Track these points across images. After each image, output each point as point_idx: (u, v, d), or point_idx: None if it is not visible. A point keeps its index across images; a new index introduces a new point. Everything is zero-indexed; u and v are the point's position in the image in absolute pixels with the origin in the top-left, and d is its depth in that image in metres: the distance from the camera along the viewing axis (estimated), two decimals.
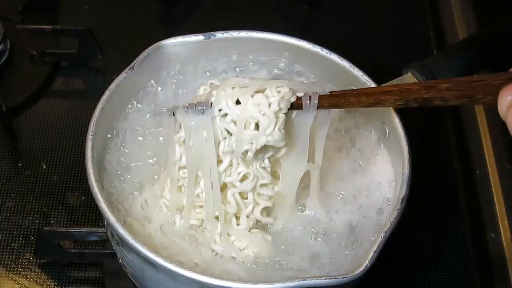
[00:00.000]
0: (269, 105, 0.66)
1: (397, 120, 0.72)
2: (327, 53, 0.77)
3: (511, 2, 0.91)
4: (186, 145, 0.68)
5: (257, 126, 0.66)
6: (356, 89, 0.68)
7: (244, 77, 0.68)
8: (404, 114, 0.74)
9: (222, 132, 0.67)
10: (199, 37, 0.77)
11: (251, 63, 0.81)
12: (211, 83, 0.70)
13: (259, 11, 1.08)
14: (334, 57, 0.77)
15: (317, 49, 0.77)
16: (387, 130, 0.75)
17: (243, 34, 0.78)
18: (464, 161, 0.93)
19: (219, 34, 0.78)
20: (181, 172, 0.71)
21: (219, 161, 0.69)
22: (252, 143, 0.66)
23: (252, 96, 0.66)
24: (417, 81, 0.72)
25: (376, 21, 1.08)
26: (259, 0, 1.10)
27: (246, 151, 0.67)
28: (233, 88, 0.67)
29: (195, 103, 0.67)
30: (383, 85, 0.69)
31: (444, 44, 1.04)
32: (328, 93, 0.68)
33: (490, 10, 1.01)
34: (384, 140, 0.76)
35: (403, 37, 1.05)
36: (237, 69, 0.81)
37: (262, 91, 0.66)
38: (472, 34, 0.95)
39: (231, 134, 0.67)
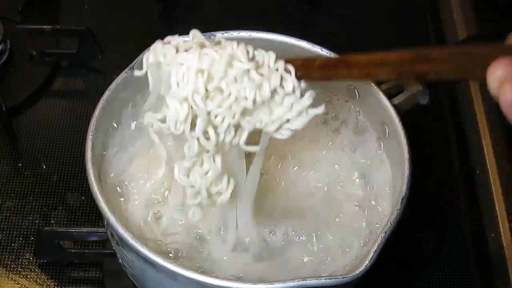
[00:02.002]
0: None
1: (397, 120, 0.72)
2: (327, 53, 0.77)
3: (511, 2, 0.91)
4: None
5: None
6: (347, 60, 0.64)
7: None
8: (404, 114, 0.74)
9: None
10: None
11: None
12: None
13: (259, 11, 1.08)
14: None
15: (317, 49, 0.77)
16: (387, 130, 0.75)
17: (243, 34, 0.78)
18: (464, 161, 0.93)
19: (219, 34, 0.78)
20: None
21: None
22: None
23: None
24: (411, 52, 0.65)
25: (376, 21, 1.07)
26: (259, 0, 1.10)
27: None
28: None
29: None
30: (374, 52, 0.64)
31: (444, 44, 1.04)
32: (317, 63, 0.64)
33: (490, 10, 1.00)
34: (384, 140, 0.76)
35: (403, 37, 1.05)
36: None
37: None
38: (472, 34, 0.95)
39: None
